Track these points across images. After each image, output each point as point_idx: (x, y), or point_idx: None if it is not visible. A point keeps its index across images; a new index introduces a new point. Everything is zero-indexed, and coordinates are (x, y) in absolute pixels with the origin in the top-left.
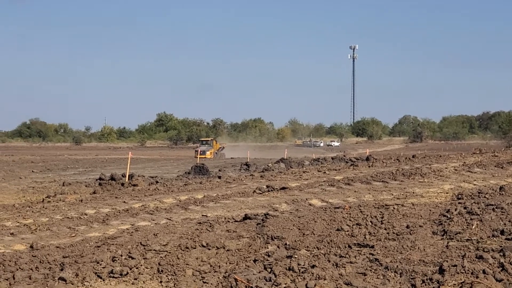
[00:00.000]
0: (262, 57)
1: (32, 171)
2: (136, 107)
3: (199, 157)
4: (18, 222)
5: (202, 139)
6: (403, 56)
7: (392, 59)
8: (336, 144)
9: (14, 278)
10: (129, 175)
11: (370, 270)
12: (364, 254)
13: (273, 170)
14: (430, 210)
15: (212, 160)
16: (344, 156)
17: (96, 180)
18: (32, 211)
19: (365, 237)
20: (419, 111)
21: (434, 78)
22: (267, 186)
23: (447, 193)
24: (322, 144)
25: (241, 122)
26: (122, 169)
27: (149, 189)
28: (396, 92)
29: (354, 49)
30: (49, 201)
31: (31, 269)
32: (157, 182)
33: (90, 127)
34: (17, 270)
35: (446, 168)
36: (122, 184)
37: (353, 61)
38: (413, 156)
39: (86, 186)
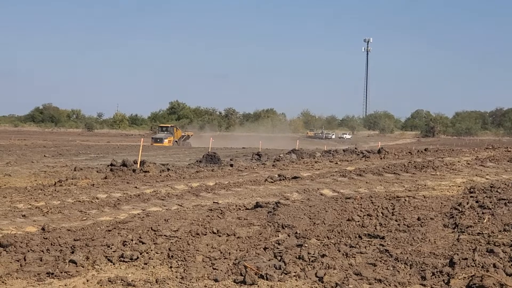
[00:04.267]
0: (276, 48)
1: (44, 156)
2: (148, 95)
3: (155, 145)
4: (30, 205)
5: (162, 125)
6: (417, 50)
7: (406, 53)
8: (348, 136)
9: (25, 260)
10: (140, 162)
11: (380, 261)
12: (374, 245)
13: (284, 160)
14: (441, 203)
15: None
16: (355, 148)
17: (108, 166)
18: (44, 194)
19: (375, 228)
20: (432, 106)
21: (448, 73)
22: (279, 175)
23: (459, 186)
24: (333, 136)
25: (253, 112)
26: (134, 156)
27: (160, 176)
28: (409, 86)
29: (368, 42)
30: (61, 185)
31: (42, 251)
32: (168, 169)
33: (102, 113)
34: (28, 251)
35: (458, 161)
36: (134, 171)
37: (367, 54)
38: (426, 150)
39: (97, 171)
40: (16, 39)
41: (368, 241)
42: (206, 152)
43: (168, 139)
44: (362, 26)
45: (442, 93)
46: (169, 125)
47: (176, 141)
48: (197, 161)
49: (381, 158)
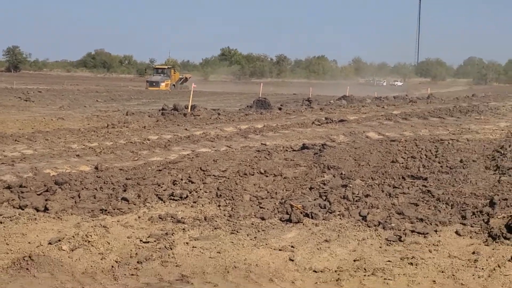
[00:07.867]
0: None
1: (97, 101)
2: (200, 42)
3: (151, 89)
4: (84, 145)
5: (157, 66)
6: None
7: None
8: (399, 84)
9: (79, 197)
10: (191, 106)
11: (422, 201)
12: (417, 186)
13: (333, 105)
14: (484, 146)
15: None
16: (406, 96)
17: (159, 110)
18: (97, 136)
19: (419, 170)
20: (485, 53)
21: (501, 20)
22: (326, 118)
23: (502, 130)
24: (385, 84)
25: (304, 59)
26: (185, 101)
27: (210, 119)
28: (462, 34)
29: None
30: (113, 127)
31: (96, 189)
32: (219, 114)
33: (154, 59)
34: (83, 189)
35: (503, 106)
36: (184, 115)
37: (420, 0)
38: (473, 95)
39: (149, 116)
40: None
41: (411, 182)
42: (256, 97)
43: (165, 83)
44: None
45: (496, 40)
46: (166, 67)
47: (174, 84)
48: (247, 106)
49: (427, 103)
